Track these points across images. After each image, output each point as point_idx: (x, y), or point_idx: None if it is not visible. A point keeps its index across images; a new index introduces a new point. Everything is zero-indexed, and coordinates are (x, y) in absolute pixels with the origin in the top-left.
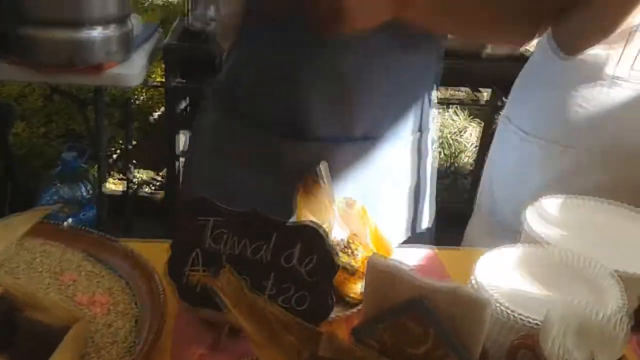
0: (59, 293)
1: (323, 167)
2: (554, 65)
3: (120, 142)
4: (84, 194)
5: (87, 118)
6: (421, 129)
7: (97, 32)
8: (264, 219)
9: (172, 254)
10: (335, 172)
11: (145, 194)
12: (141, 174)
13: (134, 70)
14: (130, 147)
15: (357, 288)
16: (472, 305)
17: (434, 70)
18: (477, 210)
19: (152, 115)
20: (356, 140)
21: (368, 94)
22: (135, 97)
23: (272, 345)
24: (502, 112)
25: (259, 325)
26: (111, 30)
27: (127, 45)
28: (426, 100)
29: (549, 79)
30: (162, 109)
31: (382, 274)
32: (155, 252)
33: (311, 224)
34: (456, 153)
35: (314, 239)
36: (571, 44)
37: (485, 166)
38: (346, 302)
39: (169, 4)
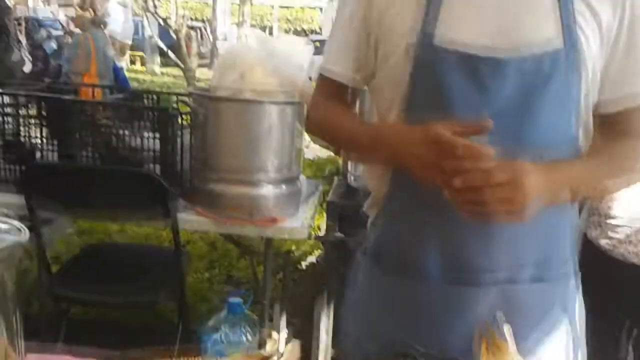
0: None
1: (499, 316)
2: None
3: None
4: (246, 337)
5: (252, 265)
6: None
7: (272, 190)
8: None
9: None
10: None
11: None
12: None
13: (301, 223)
14: (285, 294)
15: None
16: None
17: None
18: None
19: (300, 265)
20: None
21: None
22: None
23: None
24: None
25: None
26: (283, 189)
27: (297, 201)
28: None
29: None
30: (311, 258)
31: None
32: None
33: None
34: None
35: None
36: None
37: None
38: None
39: (321, 160)
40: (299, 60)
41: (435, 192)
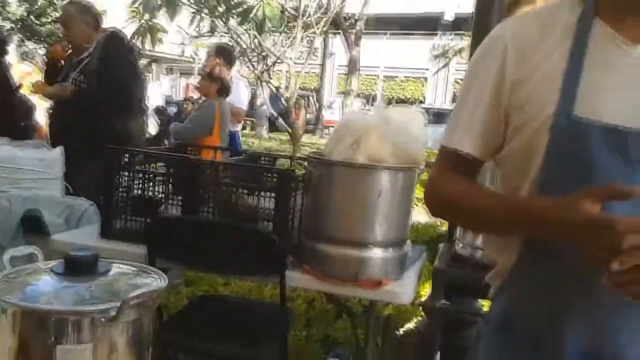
0: None
1: None
2: None
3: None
4: None
5: (354, 327)
6: None
7: (379, 253)
8: None
9: None
10: None
11: None
12: None
13: (406, 288)
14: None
15: None
16: None
17: None
18: None
19: (397, 330)
20: None
21: None
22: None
23: None
24: None
25: None
26: (390, 252)
27: (402, 265)
28: None
29: None
30: (407, 325)
31: None
32: None
33: None
34: None
35: None
36: None
37: None
38: None
39: (420, 225)
40: (414, 128)
41: (577, 266)
